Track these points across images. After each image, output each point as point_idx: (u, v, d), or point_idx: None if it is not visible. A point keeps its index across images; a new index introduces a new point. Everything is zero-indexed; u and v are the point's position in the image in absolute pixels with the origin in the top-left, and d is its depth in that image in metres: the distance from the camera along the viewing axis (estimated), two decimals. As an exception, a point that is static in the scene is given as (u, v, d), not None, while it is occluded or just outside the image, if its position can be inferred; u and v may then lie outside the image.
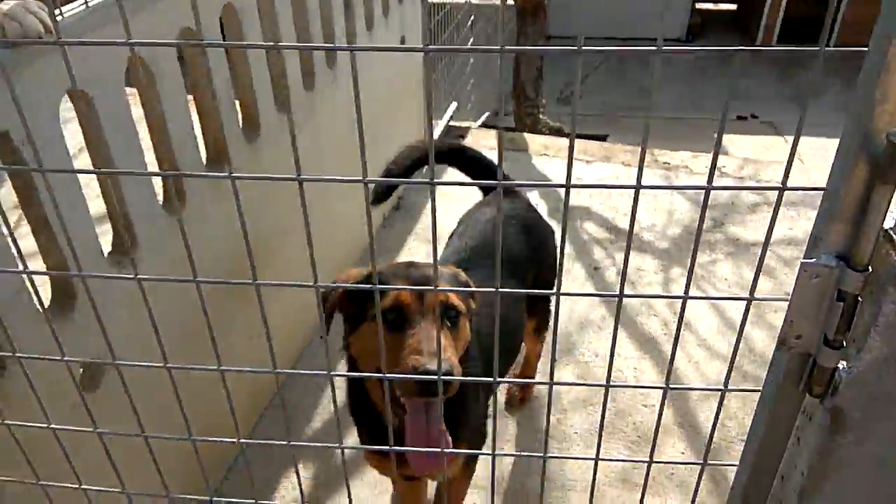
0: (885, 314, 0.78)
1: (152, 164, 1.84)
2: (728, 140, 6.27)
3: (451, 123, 4.62)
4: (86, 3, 1.51)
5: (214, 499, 1.16)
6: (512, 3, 5.39)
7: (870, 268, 0.77)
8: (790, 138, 6.14)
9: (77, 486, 1.07)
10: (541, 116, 5.42)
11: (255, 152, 2.18)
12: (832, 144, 0.78)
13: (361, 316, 1.42)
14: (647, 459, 1.00)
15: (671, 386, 0.93)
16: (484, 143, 4.55)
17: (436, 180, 0.77)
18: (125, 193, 1.65)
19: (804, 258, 0.80)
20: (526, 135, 4.65)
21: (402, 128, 3.59)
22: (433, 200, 0.77)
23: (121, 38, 0.70)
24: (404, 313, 1.34)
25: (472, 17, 4.88)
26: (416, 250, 3.44)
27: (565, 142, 4.46)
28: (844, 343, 0.82)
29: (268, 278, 2.27)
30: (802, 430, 0.94)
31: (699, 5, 9.27)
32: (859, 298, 0.79)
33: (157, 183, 1.93)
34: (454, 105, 4.70)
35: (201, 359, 1.84)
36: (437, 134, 4.40)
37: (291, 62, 2.33)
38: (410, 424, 1.36)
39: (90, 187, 1.68)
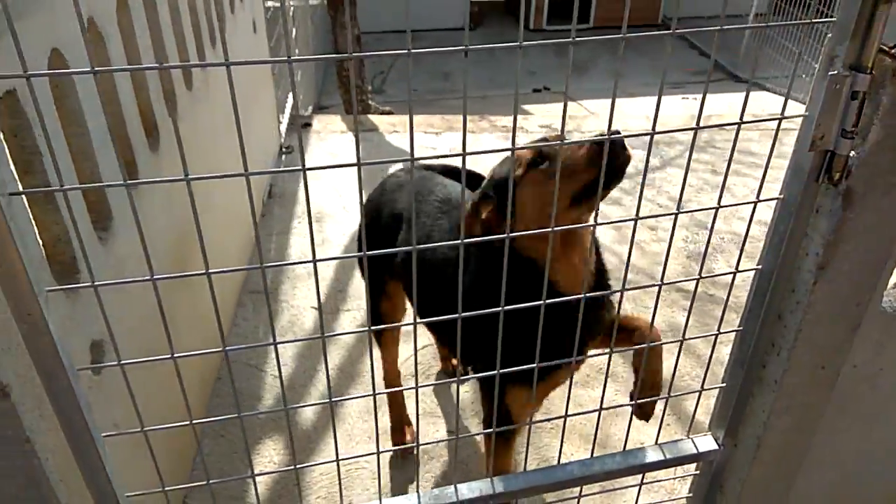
0: (882, 105, 1.11)
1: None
2: (533, 108, 6.94)
3: (293, 113, 4.65)
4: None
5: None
6: (323, -5, 5.51)
7: (873, 71, 1.09)
8: (584, 102, 6.94)
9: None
10: (370, 102, 5.60)
11: (158, 158, 2.04)
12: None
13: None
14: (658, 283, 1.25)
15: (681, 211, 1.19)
16: (331, 127, 4.64)
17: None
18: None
19: (827, 73, 1.10)
20: (371, 116, 4.80)
21: (259, 118, 3.59)
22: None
23: None
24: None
25: (292, 11, 4.92)
26: (303, 229, 3.48)
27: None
28: (855, 136, 1.14)
29: (191, 267, 2.22)
30: (814, 222, 1.26)
31: (473, -3, 10.02)
32: (866, 98, 1.11)
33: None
34: (291, 95, 4.72)
35: (157, 347, 1.78)
36: (283, 123, 4.40)
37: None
38: None
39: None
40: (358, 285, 3.06)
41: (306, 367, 2.62)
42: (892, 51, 1.08)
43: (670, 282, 1.33)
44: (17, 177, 1.00)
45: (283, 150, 4.21)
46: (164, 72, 2.02)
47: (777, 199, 1.27)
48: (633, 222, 1.15)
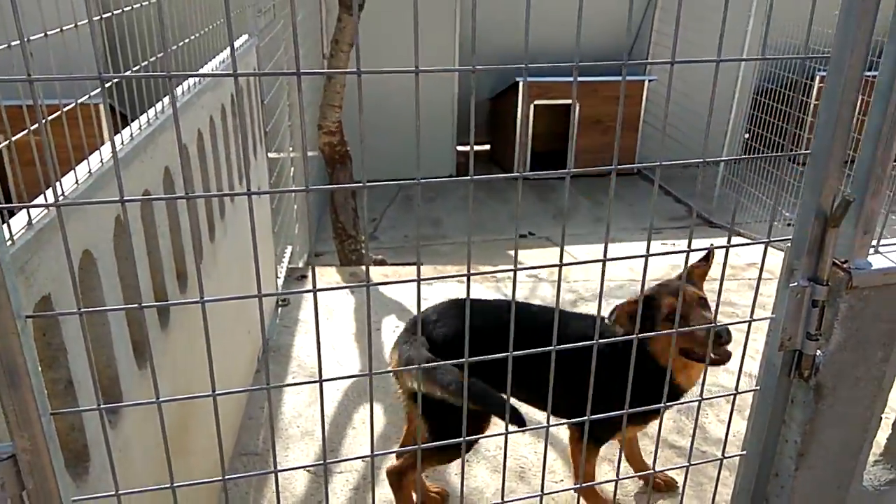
0: (841, 311, 1.23)
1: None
2: (522, 255, 7.18)
3: (290, 266, 4.81)
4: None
5: None
6: (320, 152, 5.86)
7: (828, 283, 1.23)
8: (568, 247, 7.21)
9: None
10: (363, 251, 5.80)
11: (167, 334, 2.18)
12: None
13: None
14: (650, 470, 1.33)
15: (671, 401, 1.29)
16: (326, 279, 4.78)
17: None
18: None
19: (788, 284, 1.23)
20: (363, 267, 4.97)
21: (263, 265, 3.73)
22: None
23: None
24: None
25: (293, 169, 5.22)
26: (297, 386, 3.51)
27: (404, 269, 4.87)
28: (819, 337, 1.26)
29: (192, 432, 2.26)
30: (791, 411, 1.35)
31: (459, 148, 10.62)
32: (825, 305, 1.24)
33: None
34: (289, 248, 4.90)
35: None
36: (281, 278, 4.55)
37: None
38: None
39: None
40: (350, 445, 3.06)
41: (299, 535, 2.58)
42: (845, 265, 1.22)
43: (661, 469, 1.39)
44: (43, 389, 1.08)
45: (280, 303, 4.32)
46: (177, 250, 2.16)
47: (754, 390, 1.36)
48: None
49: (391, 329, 4.11)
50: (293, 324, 4.14)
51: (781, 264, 1.28)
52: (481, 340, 1.94)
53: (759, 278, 1.30)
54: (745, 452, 1.42)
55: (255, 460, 2.95)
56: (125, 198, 0.91)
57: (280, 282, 4.46)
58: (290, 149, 5.10)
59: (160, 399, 1.02)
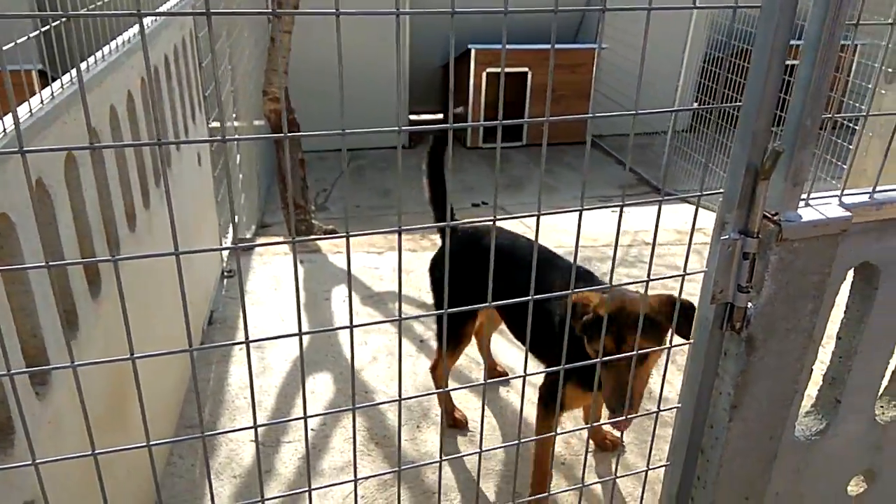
0: (771, 263, 1.25)
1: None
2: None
3: (239, 237, 4.71)
4: None
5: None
6: (266, 120, 5.71)
7: (759, 235, 1.24)
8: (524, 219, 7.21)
9: None
10: (314, 222, 5.71)
11: (99, 303, 2.12)
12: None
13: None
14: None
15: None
16: (273, 249, 4.70)
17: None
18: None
19: (720, 237, 1.24)
20: (312, 237, 4.90)
21: (201, 245, 3.65)
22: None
23: None
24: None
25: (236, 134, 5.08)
26: (242, 357, 3.45)
27: (352, 239, 4.80)
28: (750, 290, 1.27)
29: (129, 406, 2.20)
30: (723, 364, 1.37)
31: (412, 116, 10.51)
32: (756, 257, 1.25)
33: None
34: (237, 218, 4.79)
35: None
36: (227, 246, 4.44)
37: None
38: None
39: None
40: (298, 412, 3.03)
41: (245, 505, 2.55)
42: (775, 217, 1.24)
43: (602, 422, 1.41)
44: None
45: (225, 273, 4.23)
46: (107, 218, 2.07)
47: (689, 343, 1.38)
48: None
49: (341, 299, 4.07)
50: (239, 295, 4.06)
51: (714, 221, 1.28)
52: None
53: (692, 234, 1.30)
54: (679, 405, 1.44)
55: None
56: (40, 148, 0.85)
57: (224, 253, 4.37)
58: (234, 115, 4.96)
59: (76, 363, 0.97)
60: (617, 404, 1.90)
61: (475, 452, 1.29)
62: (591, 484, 2.64)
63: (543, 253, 2.55)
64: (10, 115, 1.38)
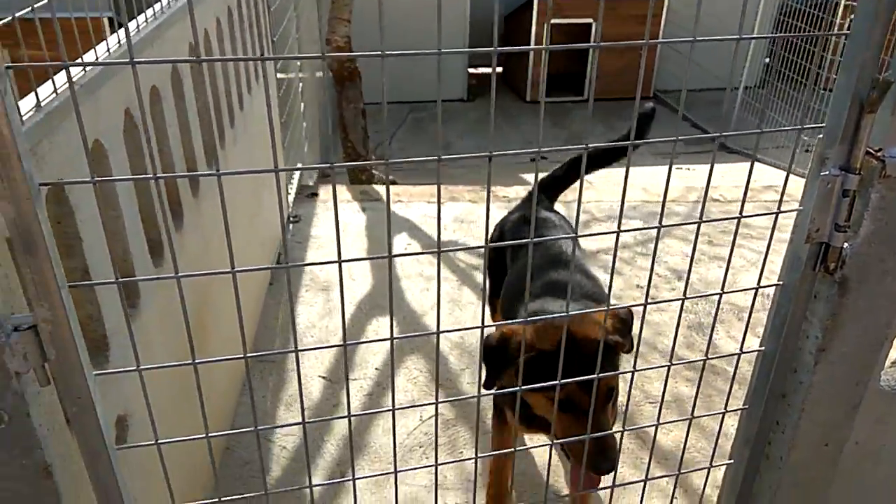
0: (871, 201, 1.20)
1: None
2: (530, 178, 7.11)
3: (301, 184, 4.79)
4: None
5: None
6: (328, 69, 5.72)
7: (861, 171, 1.18)
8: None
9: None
10: (374, 172, 5.75)
11: (182, 234, 2.16)
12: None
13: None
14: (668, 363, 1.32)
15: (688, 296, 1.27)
16: (338, 196, 4.75)
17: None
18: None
19: (819, 173, 1.19)
20: (375, 186, 4.94)
21: (270, 189, 3.72)
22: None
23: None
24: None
25: (301, 86, 5.11)
26: (310, 297, 3.53)
27: (415, 189, 4.83)
28: (847, 229, 1.23)
29: (210, 331, 2.29)
30: (813, 307, 1.33)
31: (471, 70, 10.37)
32: (856, 195, 1.20)
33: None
34: (299, 165, 4.85)
35: (175, 418, 1.83)
36: (291, 194, 4.52)
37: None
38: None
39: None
40: (364, 353, 3.10)
41: (313, 437, 2.64)
42: (878, 153, 1.18)
43: (679, 362, 1.39)
44: (59, 261, 1.07)
45: (291, 219, 4.31)
46: (188, 149, 2.12)
47: (777, 284, 1.34)
48: (642, 305, 1.23)
49: (402, 247, 4.11)
50: (304, 240, 4.15)
51: (811, 159, 1.23)
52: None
53: (781, 199, 1.25)
54: (763, 348, 1.41)
55: (272, 367, 3.00)
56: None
57: (290, 198, 4.44)
58: (299, 65, 4.98)
59: (179, 274, 1.01)
60: (604, 464, 1.58)
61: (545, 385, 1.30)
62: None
63: (578, 263, 2.32)
64: (121, 30, 1.40)
